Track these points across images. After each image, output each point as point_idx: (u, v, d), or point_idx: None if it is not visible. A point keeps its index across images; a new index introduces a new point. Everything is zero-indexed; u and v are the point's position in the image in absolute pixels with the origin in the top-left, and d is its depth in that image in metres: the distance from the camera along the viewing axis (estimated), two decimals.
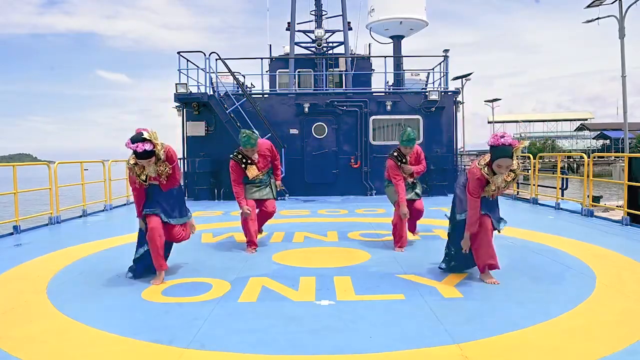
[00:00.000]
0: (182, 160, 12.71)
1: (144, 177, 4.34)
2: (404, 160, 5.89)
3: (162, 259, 4.47)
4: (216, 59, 12.52)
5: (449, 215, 4.67)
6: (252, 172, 5.78)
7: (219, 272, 4.74)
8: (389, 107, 13.08)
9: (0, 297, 4.03)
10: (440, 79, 14.18)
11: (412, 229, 6.50)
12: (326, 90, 14.08)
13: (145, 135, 4.09)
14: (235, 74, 12.64)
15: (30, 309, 3.75)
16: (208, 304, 3.74)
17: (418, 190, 6.21)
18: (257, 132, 5.89)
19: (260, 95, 13.66)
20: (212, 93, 12.73)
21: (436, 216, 8.41)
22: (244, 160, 5.76)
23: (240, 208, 5.77)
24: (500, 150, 3.85)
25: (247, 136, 5.62)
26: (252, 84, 16.03)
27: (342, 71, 15.66)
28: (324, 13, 17.05)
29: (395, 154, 5.89)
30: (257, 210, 6.03)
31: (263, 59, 13.97)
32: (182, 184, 4.63)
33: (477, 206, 4.12)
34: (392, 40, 15.77)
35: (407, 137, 5.74)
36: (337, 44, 16.96)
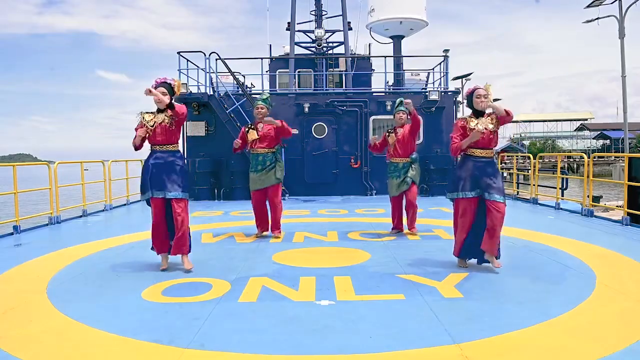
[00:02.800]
0: None
1: (152, 123, 4.75)
2: (391, 132, 6.63)
3: (160, 242, 4.87)
4: (216, 59, 12.53)
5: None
6: (252, 135, 6.40)
7: (219, 272, 4.74)
8: (389, 107, 13.05)
9: (0, 297, 4.02)
10: (440, 79, 14.18)
11: (409, 224, 6.76)
12: (326, 90, 14.08)
13: (169, 79, 4.85)
14: (235, 74, 12.64)
15: (30, 309, 3.74)
16: (208, 304, 3.73)
17: (409, 176, 6.56)
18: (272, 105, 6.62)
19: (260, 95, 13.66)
20: (212, 93, 12.73)
21: (436, 216, 8.42)
22: (250, 126, 6.45)
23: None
24: (475, 89, 4.70)
25: (263, 97, 6.54)
26: (252, 84, 16.03)
27: (342, 71, 15.64)
28: (324, 13, 17.04)
29: (389, 129, 6.74)
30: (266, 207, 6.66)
31: (263, 59, 13.96)
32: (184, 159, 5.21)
33: (457, 143, 4.69)
34: (392, 40, 15.76)
35: (397, 102, 6.62)
36: (337, 44, 16.95)
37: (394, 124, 6.74)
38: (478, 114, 4.70)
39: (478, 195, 4.62)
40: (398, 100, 6.68)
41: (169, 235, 4.92)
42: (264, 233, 6.73)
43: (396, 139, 6.56)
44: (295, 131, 6.21)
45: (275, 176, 6.42)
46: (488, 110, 4.66)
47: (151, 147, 4.88)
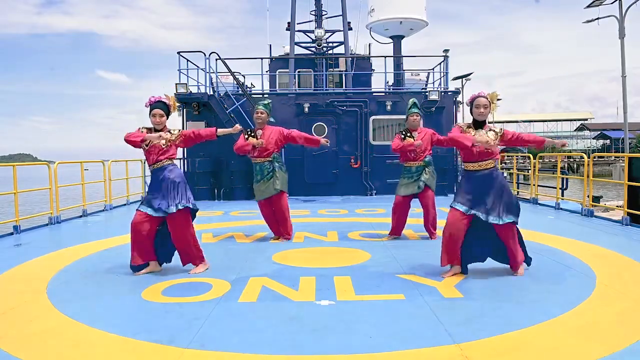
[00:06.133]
0: (182, 160, 12.73)
1: (147, 142, 4.64)
2: (409, 135, 6.18)
3: (137, 254, 4.66)
4: (216, 59, 12.53)
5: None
6: (251, 140, 6.18)
7: (219, 272, 4.74)
8: (389, 107, 13.08)
9: (0, 297, 4.03)
10: (440, 79, 14.18)
11: (429, 231, 6.52)
12: (326, 90, 14.07)
13: (163, 97, 4.80)
14: (235, 74, 12.64)
15: (30, 309, 3.74)
16: (208, 304, 3.74)
17: (422, 179, 6.28)
18: (272, 120, 6.44)
19: (260, 95, 13.66)
20: (212, 93, 12.74)
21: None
22: (249, 132, 6.21)
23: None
24: (475, 98, 4.41)
25: (265, 102, 6.37)
26: (252, 84, 16.04)
27: (342, 71, 15.65)
28: (324, 13, 17.04)
29: (402, 130, 6.26)
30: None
31: (263, 59, 13.97)
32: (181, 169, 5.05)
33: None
34: (392, 40, 15.76)
35: (410, 104, 6.24)
36: (337, 44, 16.95)
37: (408, 126, 6.25)
38: (478, 124, 4.42)
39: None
40: (411, 102, 6.24)
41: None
42: (279, 240, 6.46)
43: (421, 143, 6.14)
44: (326, 142, 5.90)
45: (273, 186, 6.21)
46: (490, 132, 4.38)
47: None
